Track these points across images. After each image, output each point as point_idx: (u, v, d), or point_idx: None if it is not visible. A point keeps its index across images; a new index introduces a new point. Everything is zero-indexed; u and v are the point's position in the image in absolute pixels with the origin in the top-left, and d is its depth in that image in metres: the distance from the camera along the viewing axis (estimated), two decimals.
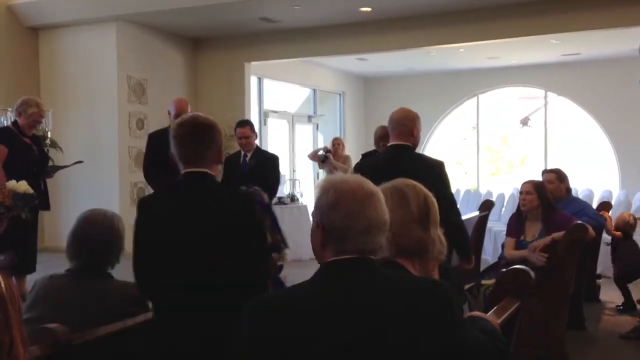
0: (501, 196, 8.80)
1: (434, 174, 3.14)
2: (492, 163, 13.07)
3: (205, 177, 2.20)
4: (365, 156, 5.70)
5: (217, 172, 2.33)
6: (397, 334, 1.34)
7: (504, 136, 13.02)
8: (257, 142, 5.67)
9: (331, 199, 1.42)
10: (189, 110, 4.78)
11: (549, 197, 4.19)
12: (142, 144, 8.21)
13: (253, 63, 8.99)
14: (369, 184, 1.47)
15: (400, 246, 1.68)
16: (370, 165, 3.55)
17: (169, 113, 5.08)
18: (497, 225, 7.37)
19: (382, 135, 5.09)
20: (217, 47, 8.98)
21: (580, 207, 4.72)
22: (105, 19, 7.78)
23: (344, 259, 1.41)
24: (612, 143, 10.37)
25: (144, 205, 2.26)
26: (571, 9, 7.04)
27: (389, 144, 3.38)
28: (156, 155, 4.79)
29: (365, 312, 1.35)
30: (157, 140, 4.98)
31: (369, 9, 7.60)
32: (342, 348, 1.32)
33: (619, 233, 5.04)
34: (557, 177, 4.73)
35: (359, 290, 1.38)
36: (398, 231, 1.65)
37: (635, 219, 5.13)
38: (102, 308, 2.17)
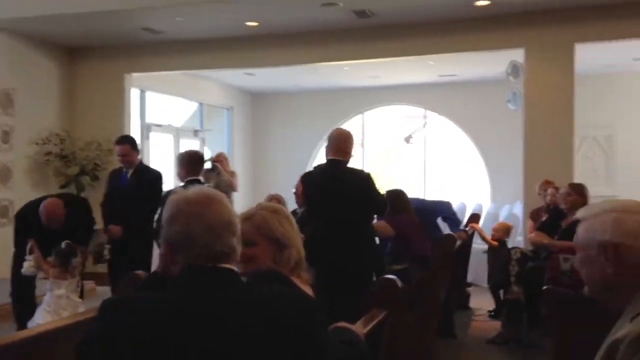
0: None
1: (363, 182, 3.86)
2: (377, 179, 13.48)
3: None
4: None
5: None
6: (242, 347, 1.32)
7: (389, 153, 13.50)
8: (139, 157, 5.52)
9: (168, 214, 1.42)
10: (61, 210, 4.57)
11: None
12: (7, 157, 7.66)
13: (135, 75, 8.67)
14: (208, 192, 1.46)
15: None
16: (313, 175, 4.14)
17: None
18: None
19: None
20: (96, 56, 8.58)
21: (438, 207, 5.02)
22: None
23: (195, 265, 1.39)
24: (484, 159, 11.06)
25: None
26: (446, 32, 7.45)
27: (328, 158, 4.02)
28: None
29: (211, 322, 1.32)
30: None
31: (255, 24, 7.60)
32: (185, 355, 1.30)
33: (495, 242, 5.36)
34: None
35: (206, 300, 1.35)
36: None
37: (509, 228, 5.51)
38: None
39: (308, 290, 2.03)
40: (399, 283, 2.50)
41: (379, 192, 4.02)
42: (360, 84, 11.25)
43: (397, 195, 4.89)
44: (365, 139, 12.67)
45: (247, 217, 2.03)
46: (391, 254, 4.72)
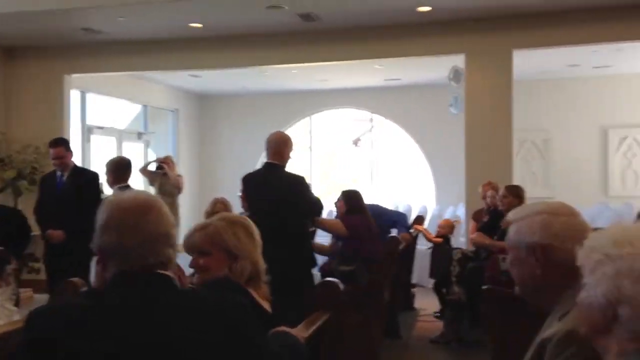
0: (330, 213, 9.12)
1: (297, 186, 3.91)
2: (326, 182, 13.55)
3: None
4: None
5: None
6: (177, 352, 1.30)
7: (337, 156, 13.58)
8: (75, 159, 5.38)
9: (102, 220, 1.39)
10: None
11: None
12: None
13: (75, 76, 8.42)
14: (145, 199, 1.42)
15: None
16: (250, 178, 4.18)
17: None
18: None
19: None
20: (34, 57, 8.28)
21: (396, 218, 5.09)
22: None
23: (128, 271, 1.36)
24: (429, 162, 11.27)
25: None
26: (390, 36, 7.56)
27: (265, 162, 4.06)
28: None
29: (145, 328, 1.30)
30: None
31: (199, 25, 7.51)
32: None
33: (439, 239, 5.47)
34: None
35: (138, 306, 1.33)
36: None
37: (453, 225, 5.66)
38: None
39: (265, 304, 2.03)
40: (341, 285, 2.52)
41: (313, 196, 4.06)
42: (308, 87, 11.28)
43: (352, 196, 4.91)
44: (313, 142, 12.71)
45: (202, 227, 2.04)
46: (340, 254, 4.75)
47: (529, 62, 8.50)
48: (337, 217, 5.09)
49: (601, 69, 9.63)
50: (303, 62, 8.14)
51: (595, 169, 10.16)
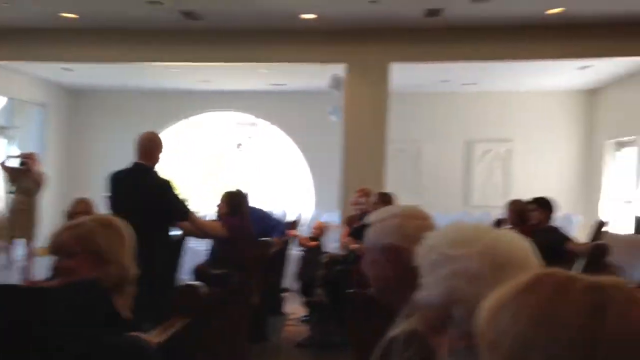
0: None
1: (161, 189, 3.84)
2: (208, 185, 13.30)
3: None
4: None
5: None
6: None
7: (220, 158, 13.38)
8: None
9: None
10: None
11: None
12: None
13: None
14: None
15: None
16: (116, 177, 4.03)
17: None
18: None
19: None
20: None
21: (275, 223, 5.08)
22: None
23: None
24: (310, 168, 11.42)
25: None
26: (274, 41, 7.57)
27: (133, 162, 3.95)
28: None
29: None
30: None
31: (73, 16, 7.09)
32: None
33: (315, 242, 5.54)
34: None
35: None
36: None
37: (323, 227, 5.74)
38: None
39: (126, 310, 1.93)
40: (203, 289, 2.45)
41: (179, 199, 4.00)
42: (190, 87, 11.01)
43: (234, 197, 4.85)
44: (195, 144, 12.43)
45: (72, 227, 1.90)
46: (212, 257, 4.67)
47: (406, 75, 8.88)
48: (217, 218, 5.00)
49: (469, 86, 10.28)
50: (183, 61, 7.95)
51: (459, 180, 10.82)
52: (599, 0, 6.33)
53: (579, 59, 7.80)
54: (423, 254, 1.27)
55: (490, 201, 9.42)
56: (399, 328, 1.60)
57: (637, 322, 0.72)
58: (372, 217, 1.78)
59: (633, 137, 9.06)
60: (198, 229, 4.21)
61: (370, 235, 1.77)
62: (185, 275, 5.11)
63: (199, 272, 4.41)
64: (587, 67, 8.57)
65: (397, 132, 9.31)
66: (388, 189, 7.04)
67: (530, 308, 0.75)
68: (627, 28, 6.91)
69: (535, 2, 6.39)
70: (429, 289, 1.23)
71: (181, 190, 12.52)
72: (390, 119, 7.75)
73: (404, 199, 6.89)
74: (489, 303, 0.81)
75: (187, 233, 4.30)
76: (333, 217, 8.75)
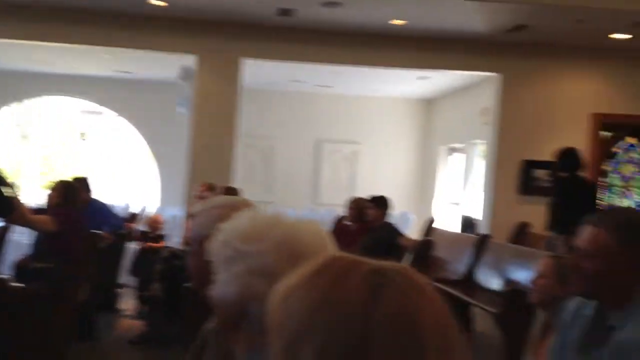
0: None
1: None
2: (49, 175, 12.32)
3: None
4: None
5: None
6: None
7: (63, 147, 12.49)
8: None
9: None
10: None
11: None
12: None
13: None
14: None
15: None
16: None
17: None
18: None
19: None
20: None
21: (109, 215, 4.84)
22: None
23: None
24: (157, 161, 11.03)
25: None
26: (118, 25, 7.19)
27: None
28: None
29: None
30: None
31: None
32: None
33: (162, 243, 5.35)
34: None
35: None
36: None
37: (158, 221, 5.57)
38: None
39: None
40: (12, 283, 2.25)
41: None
42: (21, 68, 10.07)
43: (67, 187, 4.49)
44: (32, 130, 11.47)
45: None
46: (36, 249, 4.32)
47: (261, 72, 8.90)
48: (47, 208, 4.63)
49: (322, 88, 10.56)
50: (14, 39, 7.26)
51: (309, 178, 11.10)
52: (438, 17, 6.81)
53: (418, 69, 8.35)
54: (217, 250, 1.22)
55: (337, 199, 9.74)
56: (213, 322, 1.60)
57: (412, 302, 0.75)
58: (194, 209, 1.76)
59: (463, 144, 9.89)
60: (28, 226, 3.86)
61: (193, 226, 1.75)
62: (6, 270, 4.70)
63: (20, 266, 4.07)
64: (426, 77, 9.19)
65: (249, 127, 9.30)
66: (237, 184, 7.01)
67: (316, 291, 0.76)
68: (461, 44, 7.51)
69: (381, 12, 6.71)
70: (224, 285, 1.18)
71: (14, 178, 11.58)
72: (242, 115, 7.71)
73: (254, 194, 6.90)
74: (280, 287, 0.81)
75: (12, 222, 3.93)
76: (178, 211, 8.54)
